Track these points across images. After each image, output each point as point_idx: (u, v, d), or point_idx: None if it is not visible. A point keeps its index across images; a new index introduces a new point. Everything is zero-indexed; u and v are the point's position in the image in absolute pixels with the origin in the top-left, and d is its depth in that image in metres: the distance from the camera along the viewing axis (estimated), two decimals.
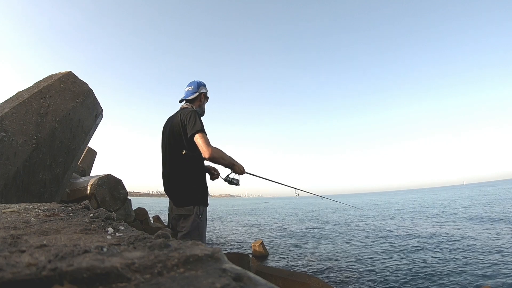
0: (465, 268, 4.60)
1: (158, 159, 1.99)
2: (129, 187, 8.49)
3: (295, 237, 8.89)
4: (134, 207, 6.86)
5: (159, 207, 26.59)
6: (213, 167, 1.99)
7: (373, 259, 5.57)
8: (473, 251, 5.72)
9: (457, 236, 7.45)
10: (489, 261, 4.89)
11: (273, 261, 5.82)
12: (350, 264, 5.27)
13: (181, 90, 2.01)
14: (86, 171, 7.59)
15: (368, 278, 4.38)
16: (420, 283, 4.08)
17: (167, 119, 1.94)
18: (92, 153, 8.34)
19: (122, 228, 0.69)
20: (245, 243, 7.92)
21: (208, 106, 2.08)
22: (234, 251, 6.45)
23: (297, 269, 4.98)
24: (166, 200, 2.08)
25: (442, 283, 4.01)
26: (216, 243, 8.04)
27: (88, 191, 4.68)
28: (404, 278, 4.29)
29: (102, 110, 4.16)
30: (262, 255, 6.17)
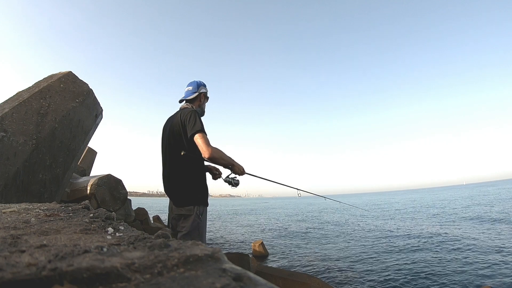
0: (465, 268, 4.60)
1: (158, 159, 2.00)
2: (129, 187, 8.50)
3: (295, 237, 8.88)
4: (134, 207, 6.85)
5: (159, 207, 26.59)
6: (215, 167, 1.99)
7: (374, 259, 5.57)
8: (473, 251, 5.72)
9: (457, 236, 7.45)
10: (489, 261, 4.89)
11: (273, 261, 5.82)
12: (351, 264, 5.27)
13: (181, 90, 2.02)
14: (86, 171, 7.59)
15: (369, 278, 4.38)
16: (420, 283, 4.08)
17: (167, 119, 1.94)
18: (92, 153, 8.34)
19: (122, 228, 0.69)
20: (245, 243, 7.92)
21: (208, 106, 2.09)
22: (234, 251, 6.45)
23: (297, 269, 4.98)
24: (166, 200, 2.08)
25: (443, 283, 4.01)
26: (216, 243, 8.04)
27: (88, 191, 4.68)
28: (405, 278, 4.29)
29: (102, 110, 4.16)
30: (262, 255, 6.16)
